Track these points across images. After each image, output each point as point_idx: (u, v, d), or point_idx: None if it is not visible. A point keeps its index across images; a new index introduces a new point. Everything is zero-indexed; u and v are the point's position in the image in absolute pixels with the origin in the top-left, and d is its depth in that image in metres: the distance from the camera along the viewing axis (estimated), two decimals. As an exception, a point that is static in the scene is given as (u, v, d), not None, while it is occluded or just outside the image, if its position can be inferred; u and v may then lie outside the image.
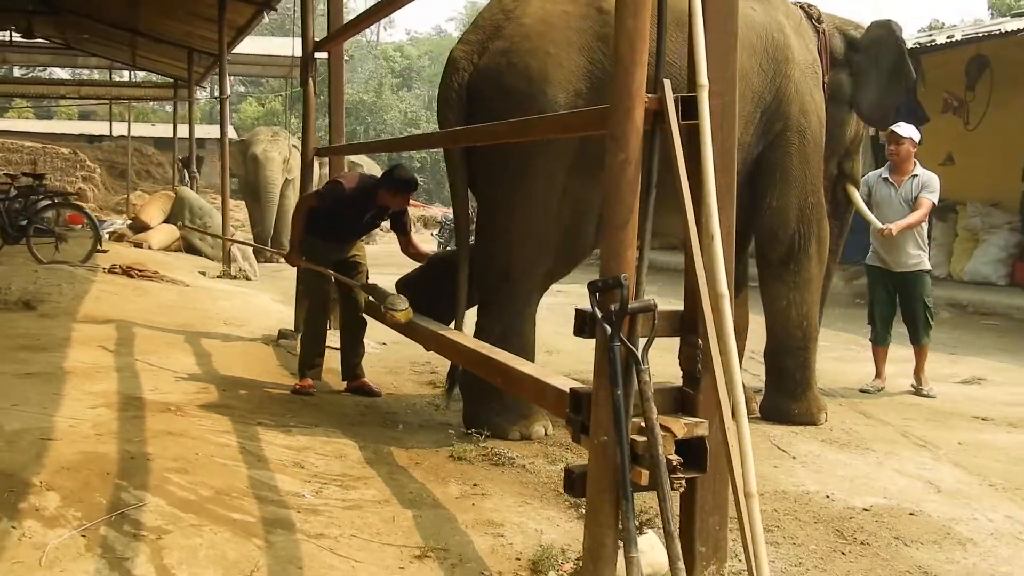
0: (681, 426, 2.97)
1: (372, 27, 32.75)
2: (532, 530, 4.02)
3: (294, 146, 18.30)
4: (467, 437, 5.37)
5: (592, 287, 2.93)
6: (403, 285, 6.15)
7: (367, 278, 6.46)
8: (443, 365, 7.54)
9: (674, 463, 2.89)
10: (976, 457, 5.50)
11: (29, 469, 4.04)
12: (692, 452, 3.01)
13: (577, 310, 3.07)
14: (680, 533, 3.07)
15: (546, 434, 5.52)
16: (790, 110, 5.96)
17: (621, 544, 2.93)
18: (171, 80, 23.22)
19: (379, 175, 6.29)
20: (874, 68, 6.57)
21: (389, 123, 46.72)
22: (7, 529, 3.48)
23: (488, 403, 5.46)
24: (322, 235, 6.27)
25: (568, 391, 3.31)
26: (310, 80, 8.18)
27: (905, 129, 7.06)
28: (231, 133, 23.50)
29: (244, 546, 3.57)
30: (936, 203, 7.22)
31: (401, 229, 6.44)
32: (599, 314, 2.90)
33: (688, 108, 3.01)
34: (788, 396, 6.20)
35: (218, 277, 13.15)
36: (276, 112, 41.88)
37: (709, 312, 3.01)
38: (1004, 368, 8.24)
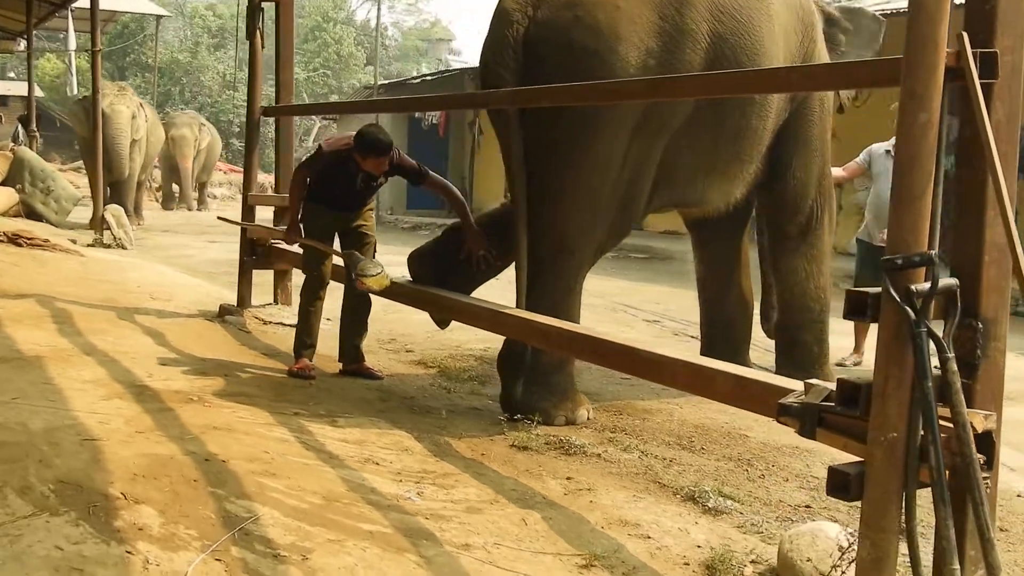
0: (981, 420, 2.69)
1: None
2: (675, 530, 3.68)
3: (140, 105, 17.12)
4: (513, 424, 4.97)
5: (889, 265, 2.60)
6: (416, 257, 5.66)
7: (375, 250, 5.94)
8: (416, 341, 7.11)
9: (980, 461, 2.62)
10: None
11: (97, 478, 3.43)
12: (980, 448, 2.74)
13: (852, 291, 2.74)
14: (939, 535, 2.80)
15: (588, 418, 5.18)
16: None
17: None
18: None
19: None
20: (854, 41, 6.46)
21: (206, 84, 44.60)
22: (123, 556, 2.91)
23: (530, 387, 5.07)
24: (326, 201, 5.70)
25: (809, 384, 2.98)
26: (257, 31, 7.48)
27: None
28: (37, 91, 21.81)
29: (402, 563, 3.11)
30: None
31: (414, 180, 5.90)
32: (895, 295, 2.58)
33: (985, 66, 2.71)
34: (806, 370, 6.03)
35: (89, 245, 12.10)
36: (82, 70, 38.63)
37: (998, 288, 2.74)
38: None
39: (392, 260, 6.17)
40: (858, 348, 7.27)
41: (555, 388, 5.10)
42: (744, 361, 6.33)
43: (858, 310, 2.74)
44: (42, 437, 3.80)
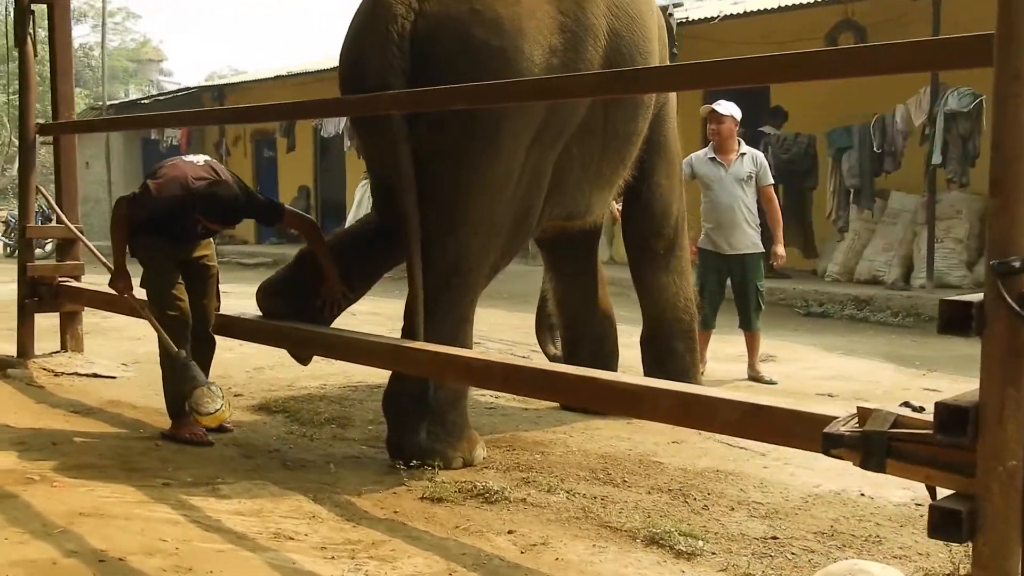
0: (1102, 443, 2.41)
1: None
2: (667, 585, 3.25)
3: None
4: (410, 472, 4.39)
5: (1002, 269, 2.26)
6: (266, 292, 4.95)
7: (218, 283, 5.16)
8: (239, 382, 6.33)
9: (1111, 490, 2.33)
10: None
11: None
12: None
13: (950, 301, 2.39)
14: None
15: (483, 456, 4.67)
16: None
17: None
18: None
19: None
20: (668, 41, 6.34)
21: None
22: None
23: (419, 429, 4.50)
24: (158, 233, 4.86)
25: (866, 411, 2.61)
26: (28, 37, 6.46)
27: (726, 107, 6.87)
28: None
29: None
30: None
31: (267, 221, 5.24)
32: (1011, 302, 2.25)
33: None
34: (682, 381, 5.77)
35: None
36: None
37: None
38: (780, 345, 8.37)
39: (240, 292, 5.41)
40: (701, 359, 7.02)
41: (451, 427, 4.55)
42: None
43: (958, 323, 2.39)
44: None
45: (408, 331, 4.48)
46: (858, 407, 2.68)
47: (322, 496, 4.03)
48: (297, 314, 4.84)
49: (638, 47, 4.71)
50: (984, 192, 10.36)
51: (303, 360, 5.13)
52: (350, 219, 15.01)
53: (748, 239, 6.83)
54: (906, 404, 2.67)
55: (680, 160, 5.82)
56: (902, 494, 4.25)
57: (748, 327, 6.92)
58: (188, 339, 4.86)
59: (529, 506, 4.02)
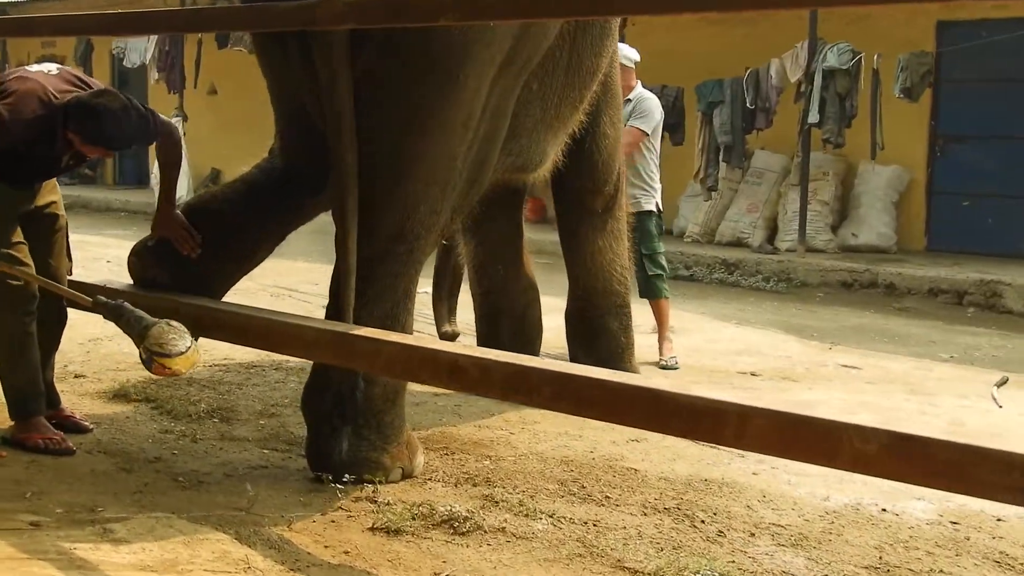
0: None
1: None
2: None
3: None
4: (344, 490, 3.48)
5: None
6: (143, 255, 3.87)
7: (67, 237, 4.01)
8: (76, 359, 5.18)
9: None
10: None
11: None
12: None
13: None
14: None
15: (423, 464, 3.80)
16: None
17: None
18: None
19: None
20: None
21: None
22: None
23: (344, 434, 3.58)
24: (3, 176, 3.67)
25: None
26: None
27: (624, 50, 6.04)
28: None
29: None
30: (648, 131, 6.27)
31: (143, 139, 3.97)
32: None
33: None
34: (613, 363, 4.97)
35: None
36: None
37: None
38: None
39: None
40: (663, 341, 6.23)
41: (387, 431, 3.65)
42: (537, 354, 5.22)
43: None
44: None
45: (334, 311, 3.53)
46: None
47: (246, 532, 3.07)
48: (183, 284, 3.79)
49: None
50: (855, 154, 10.37)
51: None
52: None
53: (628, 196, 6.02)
54: None
55: (620, 109, 5.05)
56: (923, 508, 3.69)
57: (645, 295, 6.06)
58: (34, 313, 3.73)
59: (513, 539, 3.20)
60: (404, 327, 3.60)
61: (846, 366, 6.25)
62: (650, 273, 6.04)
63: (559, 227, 5.21)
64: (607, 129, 4.86)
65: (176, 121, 13.50)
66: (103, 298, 3.41)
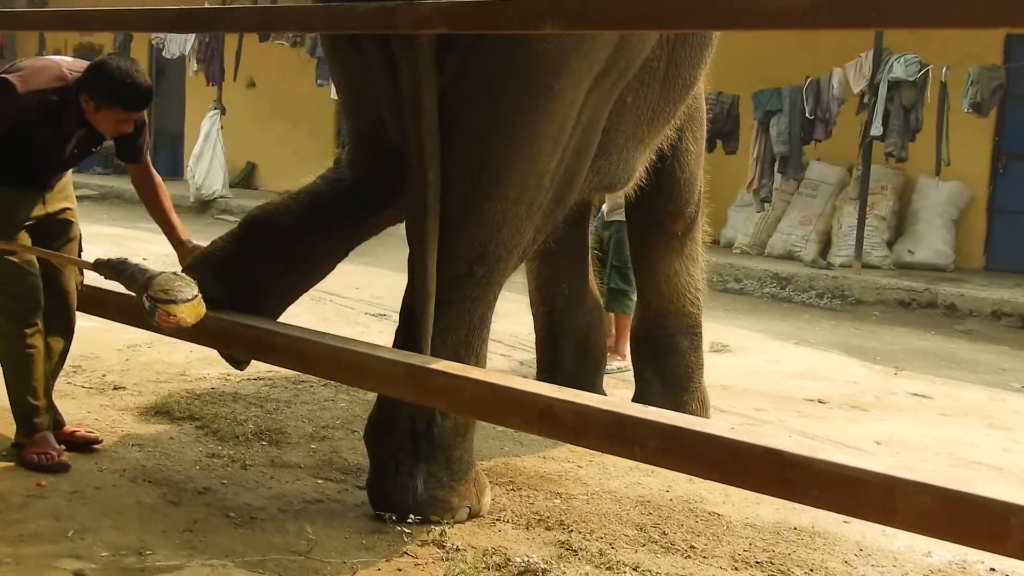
0: None
1: None
2: None
3: None
4: (411, 529, 3.21)
5: None
6: (203, 263, 3.60)
7: (80, 246, 3.78)
8: (113, 367, 4.93)
9: None
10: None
11: None
12: None
13: None
14: None
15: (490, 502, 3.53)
16: None
17: None
18: None
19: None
20: None
21: None
22: None
23: (415, 472, 3.31)
24: (11, 174, 3.45)
25: None
26: None
27: None
28: None
29: None
30: None
31: (131, 155, 3.78)
32: None
33: None
34: (682, 383, 4.73)
35: None
36: None
37: None
38: (721, 329, 7.49)
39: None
40: (618, 348, 5.93)
41: (456, 467, 3.38)
42: (600, 385, 4.96)
43: None
44: None
45: (407, 337, 3.27)
46: None
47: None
48: (240, 300, 3.52)
49: None
50: (914, 168, 10.01)
51: (239, 364, 3.82)
52: (195, 153, 13.34)
53: (613, 201, 5.72)
54: None
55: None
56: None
57: (607, 308, 5.68)
58: (39, 325, 3.52)
59: (601, 596, 2.92)
60: (479, 357, 3.34)
61: (916, 395, 5.97)
62: (614, 286, 5.78)
63: (631, 245, 4.93)
64: (690, 145, 4.56)
65: (214, 114, 13.36)
66: (103, 258, 3.33)
